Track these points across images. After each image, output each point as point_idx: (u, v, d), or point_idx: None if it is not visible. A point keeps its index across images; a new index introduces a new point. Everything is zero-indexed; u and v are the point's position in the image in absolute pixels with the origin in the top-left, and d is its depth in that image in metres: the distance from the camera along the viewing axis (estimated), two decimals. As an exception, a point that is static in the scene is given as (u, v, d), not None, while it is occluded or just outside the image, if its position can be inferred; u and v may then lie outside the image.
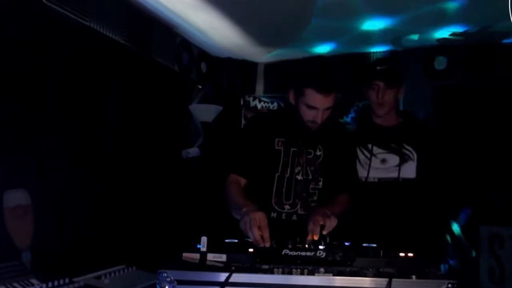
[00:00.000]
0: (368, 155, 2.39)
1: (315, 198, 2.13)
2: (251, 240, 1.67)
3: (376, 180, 2.37)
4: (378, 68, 2.37)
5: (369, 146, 2.40)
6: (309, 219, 1.80)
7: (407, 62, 3.49)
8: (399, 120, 2.46)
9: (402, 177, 2.34)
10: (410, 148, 2.38)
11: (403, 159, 2.36)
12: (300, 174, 2.11)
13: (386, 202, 2.32)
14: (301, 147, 2.12)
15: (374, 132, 2.43)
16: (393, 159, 2.37)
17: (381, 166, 2.37)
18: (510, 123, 3.17)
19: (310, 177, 2.12)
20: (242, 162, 2.11)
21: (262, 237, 1.65)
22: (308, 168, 2.12)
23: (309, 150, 2.13)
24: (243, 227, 1.72)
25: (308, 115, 2.00)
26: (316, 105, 1.96)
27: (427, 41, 3.40)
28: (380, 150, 2.39)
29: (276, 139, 2.12)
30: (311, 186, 2.12)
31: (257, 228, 1.67)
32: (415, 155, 2.37)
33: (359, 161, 2.39)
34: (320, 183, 2.14)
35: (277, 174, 2.11)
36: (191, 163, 3.63)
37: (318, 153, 2.14)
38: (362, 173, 2.37)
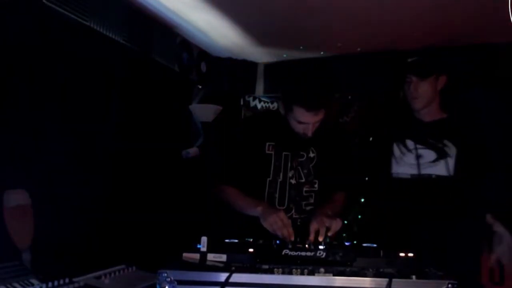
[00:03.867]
0: (405, 150, 2.30)
1: (311, 201, 2.11)
2: (280, 236, 1.77)
3: (409, 176, 2.27)
4: (409, 60, 2.28)
5: (407, 141, 2.30)
6: (313, 219, 1.82)
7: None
8: (443, 114, 2.33)
9: (435, 174, 2.23)
10: (450, 144, 2.25)
11: (440, 156, 2.23)
12: (293, 178, 2.09)
13: (417, 200, 2.23)
14: (292, 151, 2.09)
15: (413, 127, 2.32)
16: (430, 155, 2.25)
17: (414, 162, 2.27)
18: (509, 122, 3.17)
19: (303, 180, 2.10)
20: (233, 175, 2.08)
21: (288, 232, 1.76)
22: (301, 171, 2.10)
23: (301, 153, 2.11)
24: (270, 227, 1.81)
25: (298, 128, 1.97)
26: (306, 121, 1.93)
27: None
28: (418, 146, 2.28)
29: (267, 143, 2.09)
30: (305, 189, 2.10)
31: (284, 228, 1.77)
32: (454, 152, 2.23)
33: (394, 156, 2.31)
34: (316, 186, 2.12)
35: (268, 179, 2.08)
36: (191, 163, 3.63)
37: (311, 155, 2.11)
38: (395, 169, 2.30)
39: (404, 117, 2.37)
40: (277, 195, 2.08)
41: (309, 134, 1.97)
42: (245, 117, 4.03)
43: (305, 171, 2.10)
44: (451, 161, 2.22)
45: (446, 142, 2.25)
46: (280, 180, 2.08)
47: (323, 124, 2.05)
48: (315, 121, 1.94)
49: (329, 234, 1.76)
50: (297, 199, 2.10)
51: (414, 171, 2.26)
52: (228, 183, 2.07)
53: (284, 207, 2.08)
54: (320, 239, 1.73)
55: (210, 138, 3.78)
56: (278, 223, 1.78)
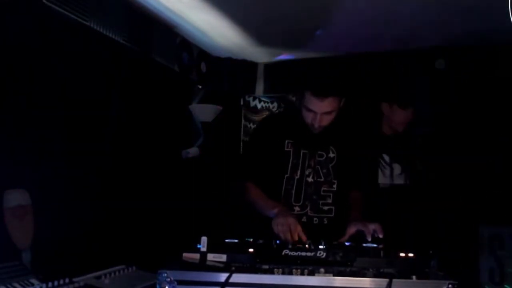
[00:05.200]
0: (384, 163, 2.68)
1: (329, 200, 2.12)
2: (282, 239, 1.80)
3: (389, 186, 2.67)
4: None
5: (385, 156, 2.70)
6: (352, 224, 1.93)
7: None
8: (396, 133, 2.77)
9: (401, 184, 2.66)
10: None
11: (404, 167, 2.68)
12: (310, 176, 2.11)
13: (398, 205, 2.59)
14: (311, 149, 2.11)
15: (387, 143, 2.71)
16: (398, 168, 2.68)
17: (394, 173, 2.70)
18: (509, 122, 3.17)
19: (322, 179, 2.11)
20: (255, 172, 2.11)
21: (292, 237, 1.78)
22: (320, 170, 2.11)
23: (321, 152, 2.12)
24: (275, 228, 1.84)
25: (307, 117, 2.00)
26: (313, 108, 1.96)
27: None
28: (392, 160, 2.72)
29: (286, 141, 2.12)
30: (323, 188, 2.12)
31: (289, 233, 1.79)
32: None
33: (380, 169, 2.68)
34: (335, 186, 2.13)
35: (286, 176, 2.11)
36: (191, 163, 3.63)
37: (331, 155, 2.13)
38: (383, 180, 2.66)
39: (376, 133, 2.74)
40: (293, 192, 2.10)
41: (316, 125, 1.99)
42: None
43: (324, 170, 2.12)
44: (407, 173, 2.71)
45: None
46: (297, 177, 2.11)
47: (343, 123, 2.08)
48: (323, 111, 1.96)
49: (381, 236, 1.86)
50: (313, 198, 2.11)
51: (390, 181, 2.69)
52: (248, 179, 2.10)
53: (300, 204, 2.10)
54: (369, 238, 1.85)
55: (210, 138, 3.78)
56: (284, 227, 1.80)
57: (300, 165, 2.11)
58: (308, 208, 2.11)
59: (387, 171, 2.68)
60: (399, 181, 2.68)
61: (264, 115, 3.76)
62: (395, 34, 3.28)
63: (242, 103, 4.15)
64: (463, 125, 3.30)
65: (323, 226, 2.10)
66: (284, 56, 3.68)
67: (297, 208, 2.10)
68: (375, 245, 1.64)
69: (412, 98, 2.74)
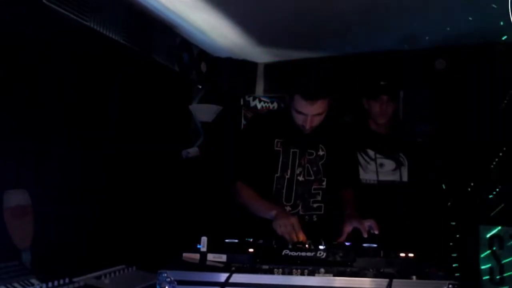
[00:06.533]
0: (368, 159, 2.57)
1: (318, 198, 2.13)
2: (287, 239, 1.77)
3: (375, 182, 2.54)
4: (382, 83, 2.59)
5: (369, 151, 2.58)
6: (347, 222, 1.91)
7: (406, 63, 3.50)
8: (390, 129, 2.66)
9: (394, 180, 2.56)
10: (402, 155, 2.61)
11: (398, 165, 2.58)
12: (301, 175, 2.11)
13: (387, 203, 2.48)
14: (301, 148, 2.11)
15: (372, 138, 2.61)
16: (390, 164, 2.58)
17: (380, 170, 2.57)
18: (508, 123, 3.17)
19: (313, 177, 2.11)
20: (244, 172, 2.10)
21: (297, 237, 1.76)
22: (310, 168, 2.12)
23: (310, 151, 2.12)
24: (278, 229, 1.81)
25: (298, 119, 2.01)
26: (303, 111, 1.96)
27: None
28: (378, 155, 2.59)
29: (276, 140, 2.11)
30: (313, 186, 2.12)
31: (293, 233, 1.77)
32: (406, 162, 2.61)
33: (360, 164, 2.54)
34: (324, 183, 2.14)
35: (276, 175, 2.10)
36: (191, 163, 3.63)
37: (321, 153, 2.13)
38: (363, 175, 2.52)
39: (362, 128, 2.66)
40: (284, 191, 2.10)
41: (307, 126, 1.99)
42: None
43: (315, 168, 2.12)
44: (404, 170, 2.60)
45: (400, 153, 2.61)
46: (287, 176, 2.10)
47: (332, 121, 2.08)
48: (313, 113, 1.96)
49: (376, 232, 1.86)
50: (305, 196, 2.11)
51: (376, 177, 2.58)
52: (237, 179, 2.09)
53: (291, 203, 2.09)
54: (365, 235, 1.83)
55: (210, 138, 3.78)
56: (287, 227, 1.79)
57: (290, 164, 2.11)
58: (300, 207, 2.11)
59: (371, 167, 2.57)
60: (390, 177, 2.58)
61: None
62: (394, 33, 3.28)
63: (242, 103, 4.15)
64: (461, 125, 3.31)
65: (313, 223, 2.10)
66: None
67: (288, 208, 2.10)
68: (375, 245, 1.64)
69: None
